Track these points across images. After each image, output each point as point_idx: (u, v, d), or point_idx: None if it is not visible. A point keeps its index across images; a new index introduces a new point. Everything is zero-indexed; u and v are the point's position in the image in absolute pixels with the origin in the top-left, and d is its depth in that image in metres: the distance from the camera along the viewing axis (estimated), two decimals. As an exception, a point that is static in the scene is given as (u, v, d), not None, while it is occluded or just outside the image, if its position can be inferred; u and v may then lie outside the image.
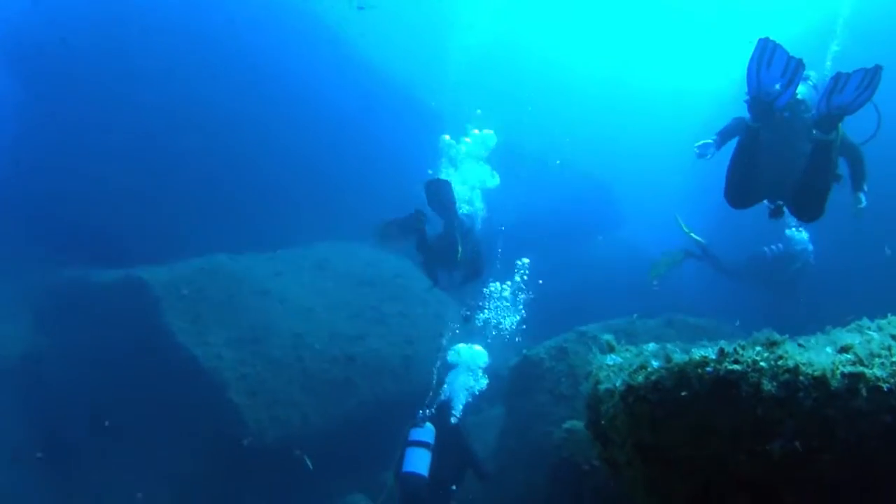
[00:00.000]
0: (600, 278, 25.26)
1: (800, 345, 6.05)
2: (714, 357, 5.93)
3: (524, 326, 15.70)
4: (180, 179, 23.84)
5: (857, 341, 5.93)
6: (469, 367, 13.58)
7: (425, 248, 12.98)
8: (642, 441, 6.54)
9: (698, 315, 15.34)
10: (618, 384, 6.66)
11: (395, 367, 17.70)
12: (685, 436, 6.18)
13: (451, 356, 13.81)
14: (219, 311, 17.95)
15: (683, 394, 6.01)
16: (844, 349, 5.85)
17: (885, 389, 5.52)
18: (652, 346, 8.63)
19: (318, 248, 21.51)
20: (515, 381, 14.18)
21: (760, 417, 5.71)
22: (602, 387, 7.26)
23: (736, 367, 5.79)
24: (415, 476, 10.99)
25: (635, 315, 14.89)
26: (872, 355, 5.71)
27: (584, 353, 13.85)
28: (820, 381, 5.56)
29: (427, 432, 11.35)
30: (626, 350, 8.65)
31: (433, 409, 12.01)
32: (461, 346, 13.94)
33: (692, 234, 18.38)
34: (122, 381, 17.24)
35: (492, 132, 15.17)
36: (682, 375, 6.02)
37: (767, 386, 5.65)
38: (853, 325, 7.25)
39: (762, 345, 5.99)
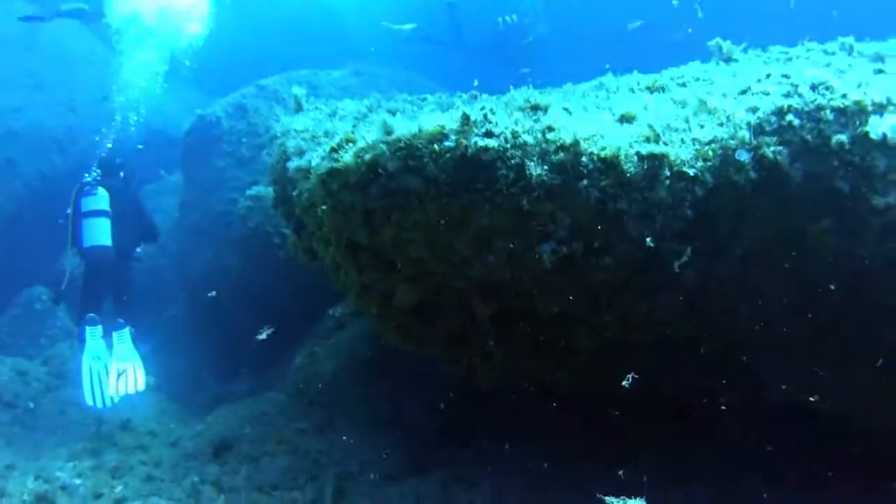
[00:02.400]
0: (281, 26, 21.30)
1: (566, 110, 3.85)
2: (456, 127, 3.60)
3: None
4: None
5: (634, 109, 3.83)
6: None
7: None
8: (355, 241, 4.25)
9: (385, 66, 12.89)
10: (314, 163, 4.20)
11: (60, 138, 13.74)
12: (415, 235, 3.95)
13: None
14: None
15: (413, 180, 3.69)
16: (627, 118, 3.73)
17: (692, 175, 3.54)
18: (348, 102, 6.22)
19: (-43, 7, 16.04)
20: (192, 146, 11.18)
21: (525, 212, 3.56)
22: (293, 164, 4.79)
23: (489, 142, 3.51)
24: (99, 249, 8.25)
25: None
26: (670, 129, 3.67)
27: (265, 111, 11.15)
28: (610, 165, 3.46)
29: (101, 199, 8.45)
30: (317, 108, 6.20)
31: (98, 170, 8.94)
32: None
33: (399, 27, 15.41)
34: None
35: None
36: (410, 154, 3.67)
37: (536, 170, 3.46)
38: (596, 82, 5.20)
39: (521, 109, 3.74)
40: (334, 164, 3.93)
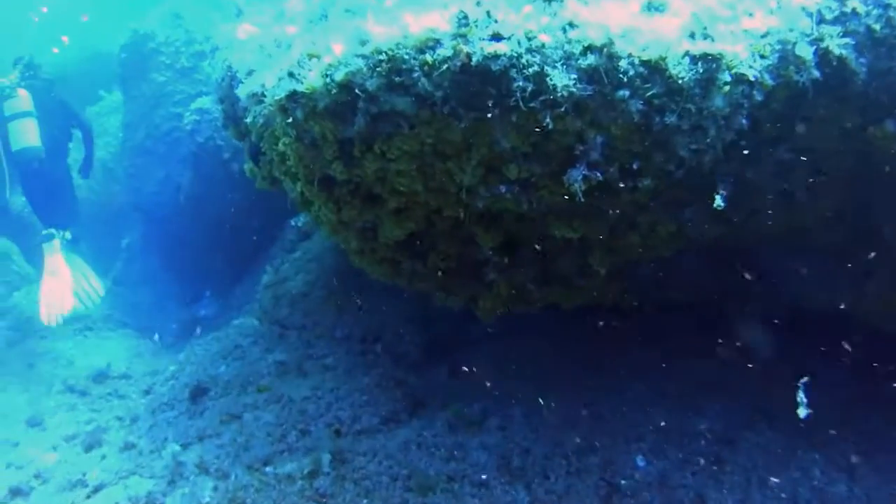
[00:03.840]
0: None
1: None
2: (452, 29, 2.59)
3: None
4: None
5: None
6: None
7: None
8: (328, 176, 3.27)
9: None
10: (269, 87, 3.16)
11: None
12: (406, 165, 2.99)
13: None
14: None
15: (401, 100, 2.70)
16: (655, 5, 2.73)
17: (753, 80, 2.62)
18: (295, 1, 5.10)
19: None
20: (128, 62, 9.70)
21: (547, 132, 2.62)
22: (243, 90, 3.72)
23: (499, 46, 2.52)
24: (29, 151, 7.36)
25: None
26: (715, 19, 2.69)
27: (202, 15, 9.76)
28: (655, 69, 2.50)
29: (24, 101, 7.45)
30: (261, 12, 5.06)
31: (22, 70, 7.79)
32: None
33: None
34: None
35: None
36: (394, 67, 2.66)
37: (561, 79, 2.49)
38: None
39: (530, 0, 2.73)
40: (296, 87, 2.90)
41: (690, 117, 2.57)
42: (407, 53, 2.63)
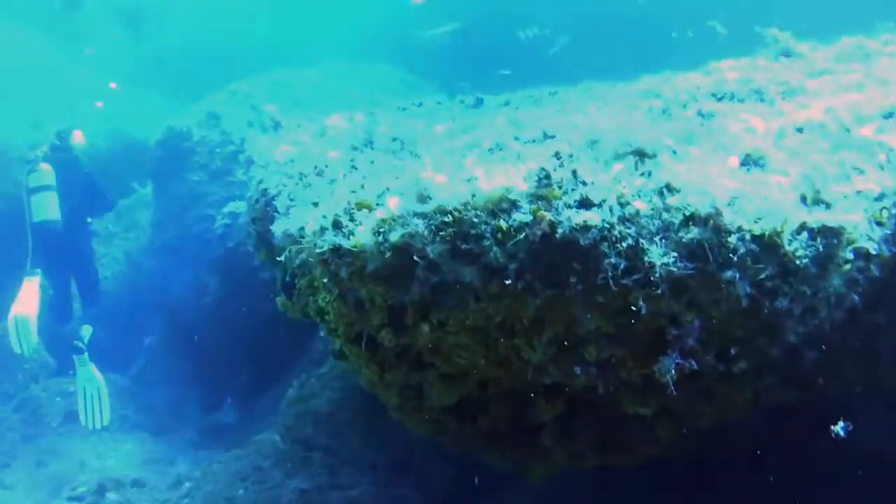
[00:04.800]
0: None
1: (671, 150, 2.37)
2: (530, 189, 2.14)
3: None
4: None
5: (755, 143, 2.43)
6: None
7: None
8: (375, 339, 2.78)
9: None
10: (309, 233, 2.69)
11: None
12: (467, 339, 2.49)
13: None
14: None
15: (467, 271, 2.23)
16: (754, 160, 2.30)
17: (874, 253, 2.15)
18: (337, 119, 4.73)
19: None
20: (162, 160, 9.45)
21: (641, 316, 2.12)
22: (278, 226, 3.26)
23: (589, 216, 2.06)
24: (49, 223, 7.31)
25: None
26: (825, 178, 2.24)
27: (238, 117, 9.51)
28: (768, 246, 2.03)
29: (46, 174, 7.43)
30: (299, 126, 4.74)
31: (53, 140, 7.71)
32: None
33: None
34: None
35: None
36: (461, 232, 2.20)
37: (660, 256, 2.01)
38: (643, 87, 3.77)
39: (618, 157, 2.27)
40: (342, 242, 2.44)
41: (804, 300, 2.08)
42: (476, 216, 2.17)
